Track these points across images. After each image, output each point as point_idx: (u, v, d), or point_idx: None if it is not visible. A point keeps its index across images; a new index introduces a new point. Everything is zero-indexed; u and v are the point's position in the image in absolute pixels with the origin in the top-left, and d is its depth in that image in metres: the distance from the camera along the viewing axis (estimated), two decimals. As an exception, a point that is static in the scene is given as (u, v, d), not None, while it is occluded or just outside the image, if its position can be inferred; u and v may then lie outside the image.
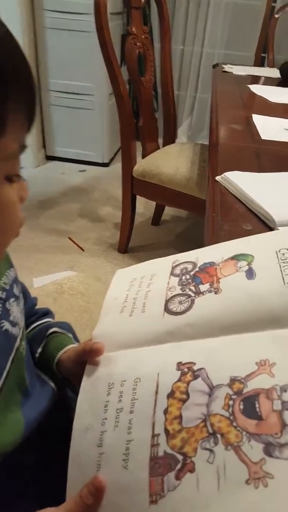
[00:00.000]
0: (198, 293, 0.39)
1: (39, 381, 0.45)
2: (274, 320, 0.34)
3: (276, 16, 2.15)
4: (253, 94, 1.32)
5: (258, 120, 0.98)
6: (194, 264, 0.43)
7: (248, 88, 1.39)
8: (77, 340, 0.52)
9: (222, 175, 0.63)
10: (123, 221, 1.66)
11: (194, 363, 0.33)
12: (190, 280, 0.41)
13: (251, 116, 1.01)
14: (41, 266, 1.59)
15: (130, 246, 1.73)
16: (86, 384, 0.37)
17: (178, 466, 0.27)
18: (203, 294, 0.39)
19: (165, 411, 0.31)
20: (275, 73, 1.70)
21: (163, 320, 0.38)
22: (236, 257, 0.41)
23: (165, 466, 0.28)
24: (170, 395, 0.32)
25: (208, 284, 0.40)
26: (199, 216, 1.88)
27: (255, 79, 1.62)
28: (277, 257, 0.39)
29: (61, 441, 0.35)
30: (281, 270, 0.37)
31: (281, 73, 1.57)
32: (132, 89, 2.15)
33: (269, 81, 1.59)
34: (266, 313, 0.34)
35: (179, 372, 0.33)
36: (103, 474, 0.30)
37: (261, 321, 0.34)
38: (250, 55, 2.43)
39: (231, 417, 0.28)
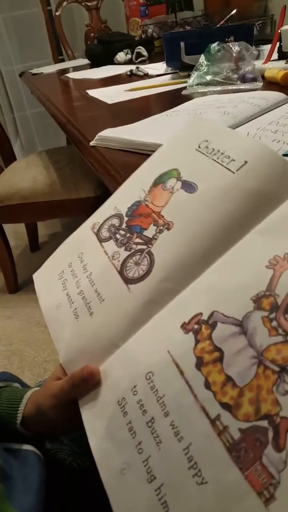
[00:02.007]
0: (149, 241, 0.31)
1: (12, 453, 0.31)
2: (249, 216, 0.27)
3: (57, 13, 2.15)
4: (75, 79, 1.27)
5: (95, 93, 0.93)
6: (119, 216, 0.35)
7: (67, 77, 1.34)
8: (26, 386, 0.39)
9: (97, 136, 0.55)
10: (1, 259, 1.47)
11: (200, 313, 0.25)
12: (128, 234, 0.32)
13: (87, 93, 0.96)
14: None
15: (20, 282, 1.54)
16: (91, 421, 0.26)
17: (271, 434, 0.19)
18: (156, 239, 0.30)
19: (207, 385, 0.22)
20: (81, 62, 1.71)
21: (132, 294, 0.29)
22: (159, 181, 0.34)
23: (253, 447, 0.19)
24: (199, 364, 0.23)
25: (152, 225, 0.31)
26: (77, 216, 1.78)
27: (67, 71, 1.59)
28: (203, 154, 0.32)
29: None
30: (219, 163, 0.30)
31: (88, 57, 1.57)
32: None
33: (80, 69, 1.57)
34: (236, 213, 0.28)
35: (191, 333, 0.25)
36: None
37: (237, 224, 0.27)
38: (49, 61, 2.40)
39: (288, 338, 0.21)
